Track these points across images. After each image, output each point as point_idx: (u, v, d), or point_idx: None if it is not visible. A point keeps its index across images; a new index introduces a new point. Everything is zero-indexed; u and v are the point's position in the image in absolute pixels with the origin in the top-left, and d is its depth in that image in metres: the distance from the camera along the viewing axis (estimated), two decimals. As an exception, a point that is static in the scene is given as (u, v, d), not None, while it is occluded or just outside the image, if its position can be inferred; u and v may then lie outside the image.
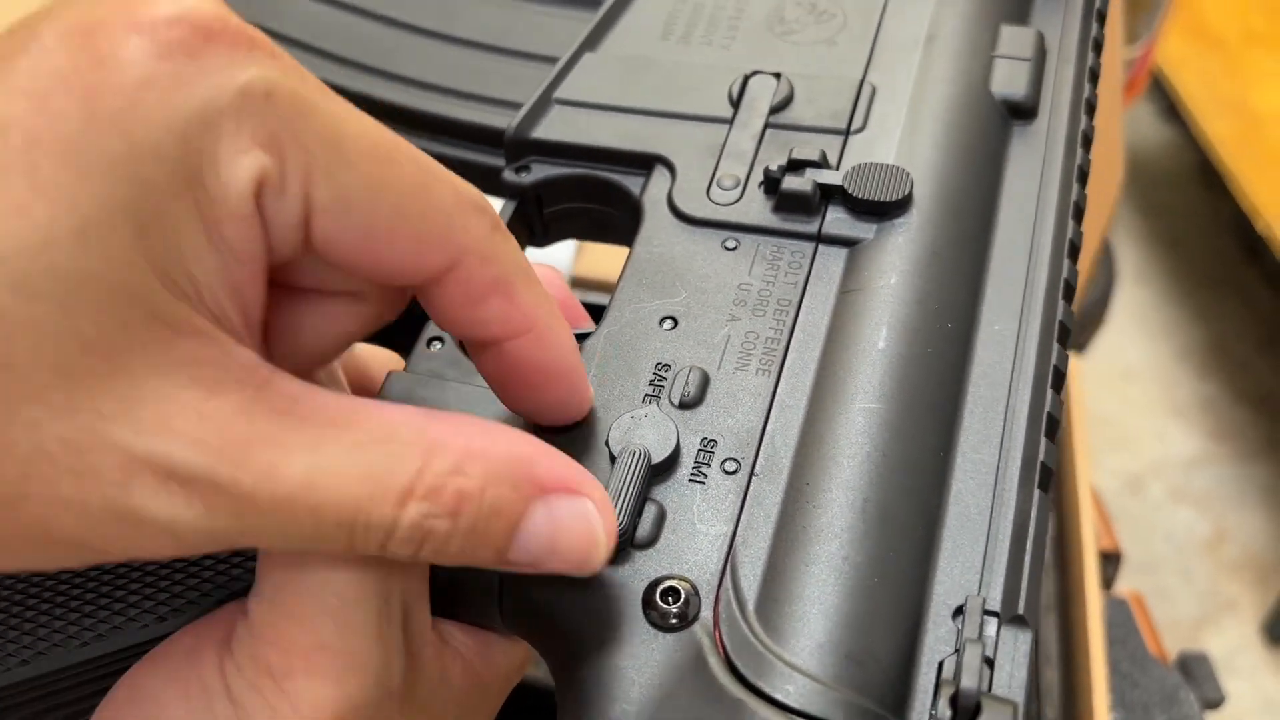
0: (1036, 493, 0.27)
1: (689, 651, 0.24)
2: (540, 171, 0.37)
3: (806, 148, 0.33)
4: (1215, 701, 0.79)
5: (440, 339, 0.33)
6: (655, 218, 0.34)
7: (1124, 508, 1.73)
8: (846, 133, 0.35)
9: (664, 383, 0.29)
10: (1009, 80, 0.36)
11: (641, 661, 0.24)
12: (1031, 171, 0.34)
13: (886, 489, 0.26)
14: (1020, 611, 0.25)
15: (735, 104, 0.36)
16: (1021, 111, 0.36)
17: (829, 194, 0.33)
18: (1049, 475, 0.28)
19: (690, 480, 0.27)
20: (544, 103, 0.37)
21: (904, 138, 0.34)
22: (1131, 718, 0.72)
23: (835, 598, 0.24)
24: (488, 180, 0.38)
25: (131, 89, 0.19)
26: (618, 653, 0.25)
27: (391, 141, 0.23)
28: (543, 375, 0.26)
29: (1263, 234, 1.66)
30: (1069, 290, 0.32)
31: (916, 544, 0.26)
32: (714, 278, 0.32)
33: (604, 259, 0.70)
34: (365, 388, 0.33)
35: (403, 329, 0.30)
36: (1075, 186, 0.34)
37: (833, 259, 0.32)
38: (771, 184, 0.33)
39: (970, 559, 0.26)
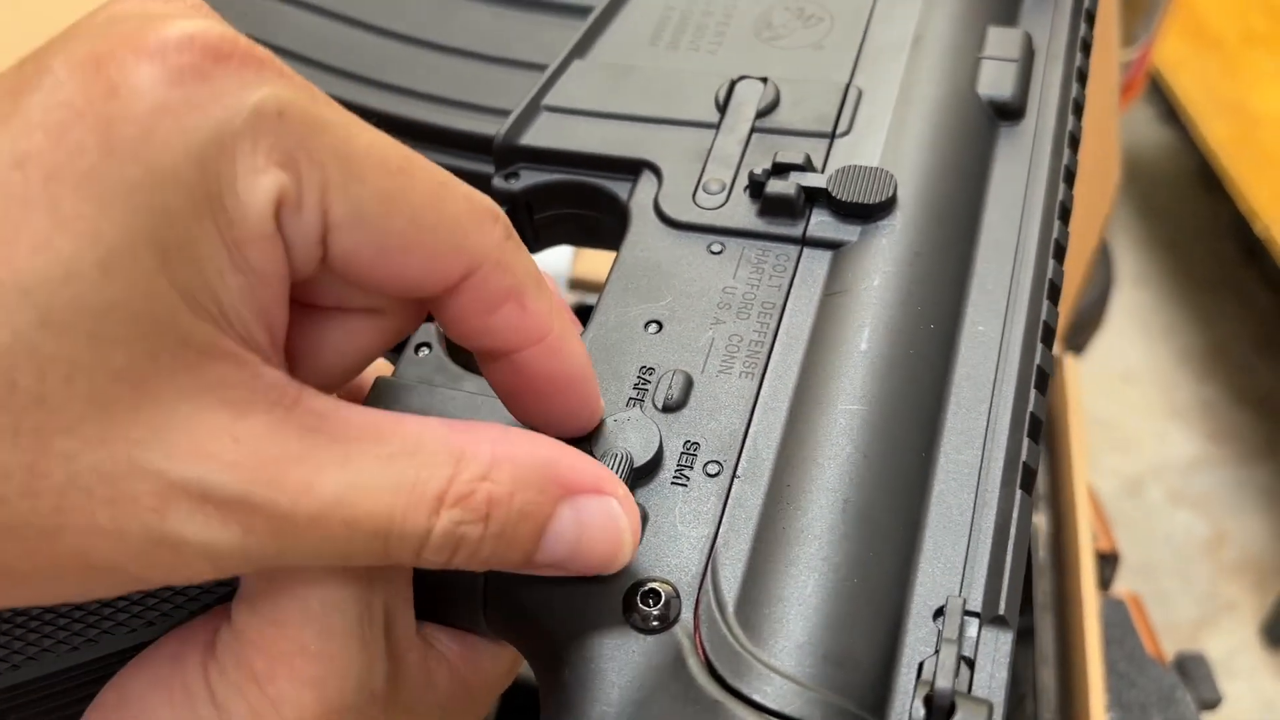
0: (1019, 493, 0.27)
1: (669, 653, 0.24)
2: (529, 178, 0.37)
3: (791, 151, 0.33)
4: (1212, 702, 0.79)
5: (428, 344, 0.33)
6: (641, 222, 0.34)
7: (1123, 510, 1.73)
8: (832, 136, 0.35)
9: (648, 386, 0.29)
10: (995, 81, 0.36)
11: (622, 663, 0.24)
12: (1018, 173, 0.34)
13: (868, 490, 0.26)
14: (1001, 612, 0.25)
15: (722, 109, 0.36)
16: (1008, 112, 0.36)
17: (813, 197, 0.33)
18: (1031, 476, 0.28)
19: (673, 483, 0.27)
20: (533, 109, 0.38)
21: (889, 140, 0.34)
22: (1128, 718, 0.72)
23: (815, 599, 0.24)
24: (477, 188, 0.38)
25: (146, 117, 0.19)
26: (599, 655, 0.25)
27: (403, 153, 0.23)
28: (555, 385, 0.26)
29: (1261, 236, 1.66)
30: (1054, 291, 0.32)
31: (898, 545, 0.26)
32: (699, 281, 0.32)
33: (603, 261, 0.70)
34: (352, 394, 0.33)
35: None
36: (1062, 187, 0.34)
37: (817, 262, 0.32)
38: (756, 188, 0.33)
39: (951, 560, 0.26)
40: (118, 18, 0.20)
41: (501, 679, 0.30)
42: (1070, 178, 0.35)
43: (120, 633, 0.27)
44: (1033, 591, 0.71)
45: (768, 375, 0.29)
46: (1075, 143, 0.36)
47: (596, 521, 0.24)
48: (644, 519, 0.27)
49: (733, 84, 0.37)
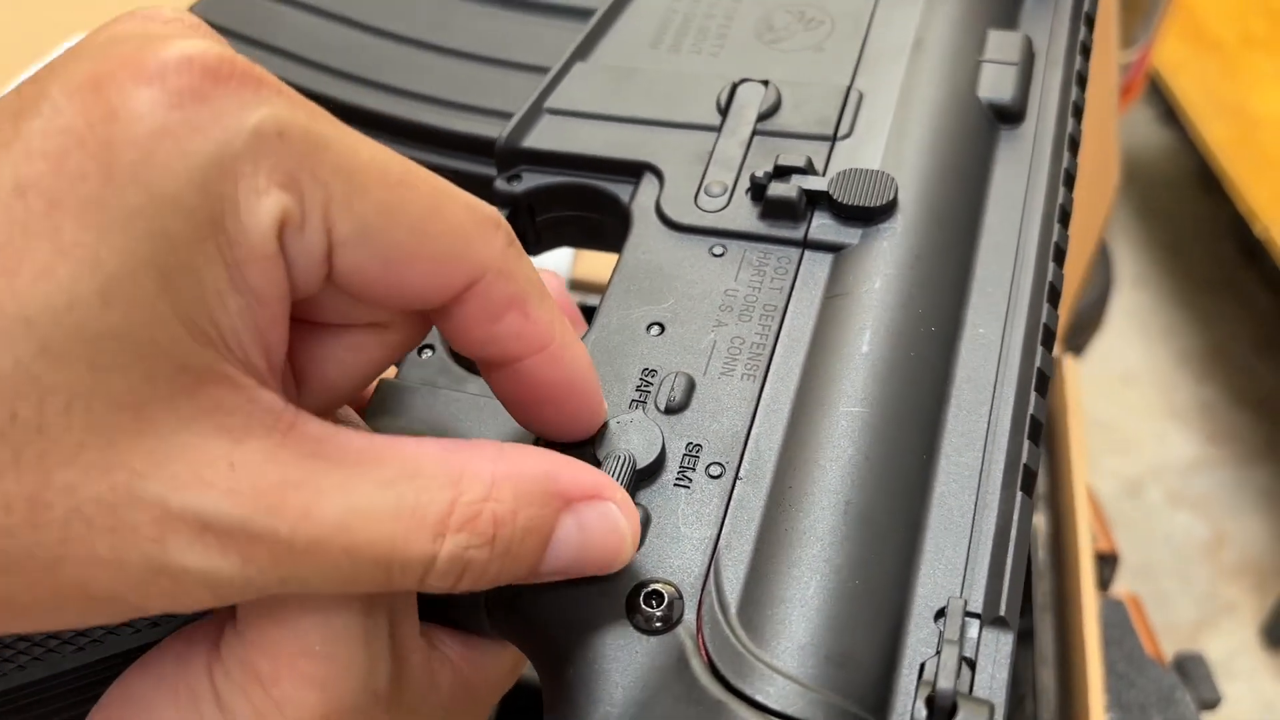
0: (1020, 495, 0.27)
1: (672, 654, 0.24)
2: (531, 180, 0.37)
3: (793, 154, 0.34)
4: (1211, 702, 0.79)
5: (431, 346, 0.33)
6: (644, 225, 0.34)
7: (1123, 511, 1.73)
8: (833, 139, 0.35)
9: (650, 388, 0.30)
10: (996, 85, 0.36)
11: (625, 664, 0.25)
12: (1018, 175, 0.34)
13: (869, 492, 0.26)
14: (1002, 613, 0.25)
15: (723, 111, 0.37)
16: (1008, 116, 0.36)
17: (815, 200, 0.33)
18: (1032, 478, 0.28)
19: (675, 484, 0.28)
20: (535, 112, 0.38)
21: (890, 143, 0.34)
22: (1128, 718, 0.72)
23: (817, 600, 0.24)
24: (479, 190, 0.38)
25: (146, 141, 0.19)
26: (602, 656, 0.25)
27: (402, 165, 0.23)
28: (558, 392, 0.26)
29: (1260, 237, 1.66)
30: (1054, 294, 0.32)
31: (899, 547, 0.26)
32: (701, 284, 0.32)
33: (604, 262, 0.70)
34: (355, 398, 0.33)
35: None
36: (1062, 190, 0.34)
37: (818, 264, 0.32)
38: (758, 190, 0.33)
39: (953, 561, 0.26)
40: (118, 38, 0.20)
41: (504, 679, 0.30)
42: (1070, 181, 0.35)
43: (125, 633, 0.27)
44: (1032, 592, 0.71)
45: (769, 377, 0.29)
46: (1075, 146, 0.36)
47: (597, 527, 0.24)
48: (646, 520, 0.27)
49: (734, 87, 0.37)
